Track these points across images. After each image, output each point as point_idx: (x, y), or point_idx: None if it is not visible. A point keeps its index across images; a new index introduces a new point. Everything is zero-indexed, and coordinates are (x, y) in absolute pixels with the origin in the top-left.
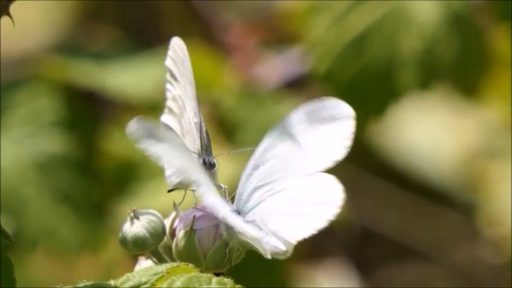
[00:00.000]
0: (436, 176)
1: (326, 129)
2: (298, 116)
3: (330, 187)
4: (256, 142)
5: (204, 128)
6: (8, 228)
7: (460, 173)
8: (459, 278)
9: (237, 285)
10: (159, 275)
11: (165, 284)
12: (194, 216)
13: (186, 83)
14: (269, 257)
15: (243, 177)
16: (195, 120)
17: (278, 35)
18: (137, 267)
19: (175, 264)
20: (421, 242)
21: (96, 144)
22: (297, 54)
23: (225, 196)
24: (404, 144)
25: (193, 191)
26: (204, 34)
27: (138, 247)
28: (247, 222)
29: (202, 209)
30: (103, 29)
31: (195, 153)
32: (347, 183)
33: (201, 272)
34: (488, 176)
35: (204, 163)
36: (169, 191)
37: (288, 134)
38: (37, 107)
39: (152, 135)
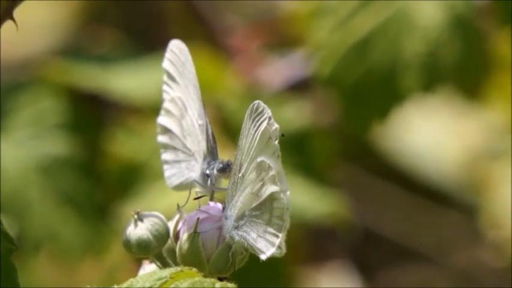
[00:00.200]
0: (438, 178)
1: None
2: None
3: None
4: None
5: (209, 131)
6: (11, 232)
7: (462, 174)
8: (461, 280)
9: None
10: (163, 280)
11: None
12: (198, 219)
13: (188, 85)
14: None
15: None
16: (200, 122)
17: (281, 38)
18: (141, 272)
19: (178, 268)
20: (423, 243)
21: (99, 146)
22: (300, 57)
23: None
24: (407, 146)
25: (197, 192)
26: (207, 37)
27: (142, 250)
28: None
29: (206, 211)
30: (107, 31)
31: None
32: (350, 184)
33: (205, 276)
34: (490, 178)
35: (223, 167)
36: (196, 198)
37: None
38: (41, 110)
39: None
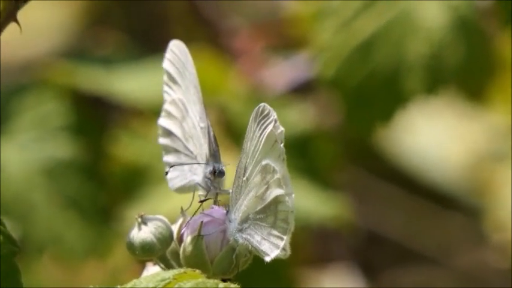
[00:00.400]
0: (442, 180)
1: None
2: None
3: None
4: None
5: (211, 133)
6: (15, 234)
7: (466, 176)
8: (465, 282)
9: None
10: (166, 281)
11: None
12: (201, 222)
13: (189, 86)
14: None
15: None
16: (202, 124)
17: (285, 39)
18: (145, 273)
19: (182, 270)
20: (427, 245)
21: (103, 149)
22: (303, 59)
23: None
24: (410, 148)
25: (200, 196)
26: (210, 39)
27: (145, 252)
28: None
29: (210, 214)
30: (110, 33)
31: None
32: (353, 187)
33: (208, 277)
34: (494, 180)
35: (214, 171)
36: (200, 201)
37: None
38: (44, 112)
39: None
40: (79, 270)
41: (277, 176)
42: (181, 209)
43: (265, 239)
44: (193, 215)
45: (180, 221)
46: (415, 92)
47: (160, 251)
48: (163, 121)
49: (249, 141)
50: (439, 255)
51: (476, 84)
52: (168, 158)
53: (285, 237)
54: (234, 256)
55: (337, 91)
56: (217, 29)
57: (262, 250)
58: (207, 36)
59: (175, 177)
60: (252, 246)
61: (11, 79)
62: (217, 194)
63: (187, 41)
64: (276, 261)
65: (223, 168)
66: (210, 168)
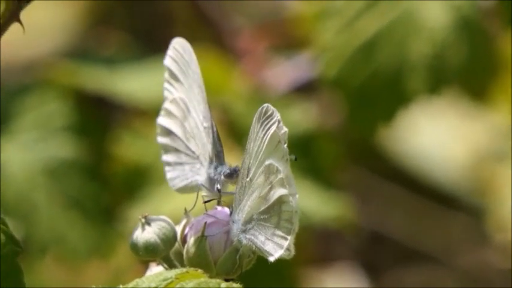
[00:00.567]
0: (445, 180)
1: None
2: None
3: None
4: None
5: (215, 133)
6: (18, 234)
7: (468, 176)
8: (467, 281)
9: None
10: (168, 281)
11: None
12: (205, 223)
13: (192, 85)
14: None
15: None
16: (205, 124)
17: (288, 39)
18: (148, 274)
19: (184, 269)
20: (429, 245)
21: (106, 149)
22: (306, 59)
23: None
24: (413, 148)
25: (203, 196)
26: (213, 39)
27: (149, 253)
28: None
29: (214, 215)
30: (113, 33)
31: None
32: (356, 187)
33: (211, 277)
34: (496, 180)
35: (231, 174)
36: (204, 202)
37: None
38: (47, 112)
39: None
40: (82, 270)
41: (280, 176)
42: (185, 209)
43: (269, 239)
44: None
45: (184, 221)
46: (417, 92)
47: (163, 251)
48: (162, 120)
49: (252, 142)
50: (441, 255)
51: (478, 84)
52: (168, 158)
53: (289, 237)
54: (237, 257)
55: (339, 91)
56: (220, 29)
57: (266, 250)
58: (210, 37)
59: (176, 177)
60: (255, 246)
61: (14, 79)
62: (220, 196)
63: (190, 41)
64: (279, 261)
65: (228, 170)
66: (227, 170)
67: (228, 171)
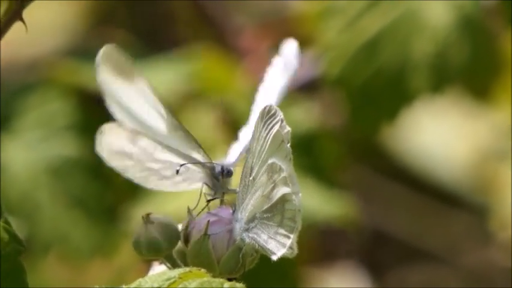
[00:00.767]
0: (447, 179)
1: None
2: None
3: None
4: None
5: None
6: (21, 233)
7: (471, 175)
8: (471, 280)
9: None
10: (171, 280)
11: None
12: (208, 221)
13: (139, 100)
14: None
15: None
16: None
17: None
18: (151, 273)
19: (187, 269)
20: (432, 244)
21: None
22: (309, 57)
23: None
24: (416, 146)
25: (205, 195)
26: (216, 38)
27: (152, 252)
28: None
29: (216, 214)
30: (115, 32)
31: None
32: (359, 186)
33: (214, 277)
34: (499, 178)
35: (222, 172)
36: (208, 201)
37: None
38: (49, 111)
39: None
40: (85, 269)
41: (283, 174)
42: (188, 208)
43: (272, 238)
44: (199, 214)
45: (187, 220)
46: (420, 90)
47: (166, 250)
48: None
49: (255, 141)
50: (444, 253)
51: (481, 83)
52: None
53: (292, 236)
54: (240, 255)
55: (342, 90)
56: (223, 28)
57: (269, 249)
58: (213, 36)
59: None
60: (258, 245)
61: (16, 78)
62: (223, 194)
63: (192, 40)
64: (281, 260)
65: (232, 168)
66: (218, 168)
67: (219, 169)
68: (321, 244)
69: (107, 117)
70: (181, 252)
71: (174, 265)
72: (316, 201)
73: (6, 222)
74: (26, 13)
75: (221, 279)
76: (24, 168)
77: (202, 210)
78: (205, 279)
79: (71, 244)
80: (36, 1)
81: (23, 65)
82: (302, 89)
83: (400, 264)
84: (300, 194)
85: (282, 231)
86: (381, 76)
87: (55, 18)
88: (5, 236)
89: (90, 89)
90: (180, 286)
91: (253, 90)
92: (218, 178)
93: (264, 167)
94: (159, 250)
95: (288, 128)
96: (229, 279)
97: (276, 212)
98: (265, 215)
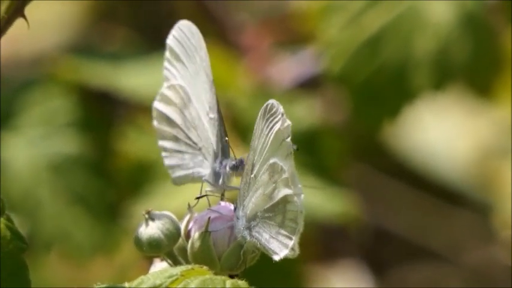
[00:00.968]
0: (449, 176)
1: None
2: None
3: None
4: None
5: (222, 126)
6: (23, 230)
7: (474, 173)
8: (473, 278)
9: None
10: (174, 278)
11: (179, 286)
12: (209, 218)
13: (199, 72)
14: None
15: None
16: (211, 115)
17: (292, 35)
18: (152, 269)
19: (189, 266)
20: (435, 242)
21: (110, 145)
22: (311, 54)
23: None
24: (418, 144)
25: (207, 191)
26: (218, 35)
27: (152, 248)
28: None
29: (217, 211)
30: (117, 29)
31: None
32: (361, 183)
33: (216, 273)
34: (501, 176)
35: (237, 166)
36: (198, 198)
37: None
38: (51, 108)
39: None
40: (86, 266)
41: (285, 175)
42: (189, 205)
43: (273, 238)
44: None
45: (188, 217)
46: (422, 87)
47: (167, 247)
48: (159, 105)
49: (257, 139)
50: (447, 252)
51: (483, 81)
52: (164, 143)
53: (293, 237)
54: (241, 252)
55: (344, 87)
56: (225, 25)
57: (270, 249)
58: (215, 33)
59: (175, 165)
60: (260, 244)
61: (18, 75)
62: (224, 191)
63: None
64: (283, 258)
65: (233, 164)
66: (232, 162)
67: (234, 162)
68: (323, 242)
69: (108, 115)
70: (182, 249)
71: (175, 262)
72: (318, 199)
73: (9, 219)
74: (28, 10)
75: (223, 277)
76: (26, 165)
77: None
78: (207, 276)
79: (72, 241)
80: None
81: (25, 61)
82: (304, 86)
83: (402, 262)
84: (302, 196)
85: (283, 231)
86: (383, 73)
87: (57, 15)
88: (8, 233)
89: (91, 86)
90: (182, 284)
91: (255, 87)
92: (220, 173)
93: (266, 166)
94: (160, 247)
95: (288, 122)
96: (231, 276)
97: (278, 212)
98: (266, 214)
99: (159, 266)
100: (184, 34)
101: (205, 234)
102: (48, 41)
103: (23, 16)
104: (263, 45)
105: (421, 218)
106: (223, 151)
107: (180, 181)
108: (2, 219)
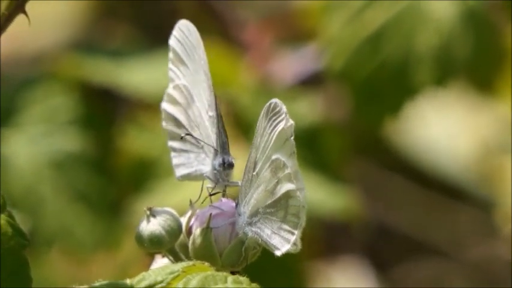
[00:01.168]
0: (452, 172)
1: None
2: None
3: None
4: None
5: (221, 123)
6: (24, 227)
7: (476, 169)
8: (476, 275)
9: (253, 284)
10: (175, 274)
11: (180, 283)
12: (210, 214)
13: (199, 71)
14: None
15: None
16: (211, 113)
17: (294, 32)
18: (153, 266)
19: (191, 262)
20: (437, 238)
21: (112, 142)
22: (312, 51)
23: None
24: (420, 140)
25: (208, 188)
26: (220, 32)
27: (154, 245)
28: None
29: (219, 207)
30: (119, 26)
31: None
32: (363, 180)
33: (217, 270)
34: (504, 172)
35: (223, 164)
36: (210, 195)
37: None
38: (53, 105)
39: None
40: (88, 263)
41: (287, 170)
42: (190, 201)
43: (275, 233)
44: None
45: (189, 213)
46: (424, 83)
47: (169, 243)
48: (167, 106)
49: (259, 137)
50: (449, 248)
51: (485, 76)
52: (173, 144)
53: (296, 232)
54: (243, 249)
55: (346, 83)
56: (226, 21)
57: (272, 244)
58: (216, 29)
59: (181, 164)
60: (262, 240)
61: (20, 72)
62: (225, 186)
63: None
64: (285, 254)
65: (233, 160)
66: (219, 160)
67: (232, 160)
68: (325, 239)
69: (110, 112)
70: (183, 245)
71: (176, 258)
72: (320, 196)
73: (10, 216)
74: (29, 6)
75: (225, 273)
76: (28, 162)
77: (205, 200)
78: (208, 273)
79: (74, 238)
80: None
81: (26, 58)
82: (306, 83)
83: (404, 258)
84: (305, 191)
85: (285, 226)
86: (385, 70)
87: (58, 12)
88: (9, 230)
89: (93, 83)
90: (184, 280)
91: (257, 83)
92: (220, 170)
93: (268, 163)
94: (161, 243)
95: (291, 122)
96: (232, 273)
97: (280, 207)
98: (268, 210)
99: (161, 263)
100: (183, 33)
101: (206, 231)
102: (50, 38)
103: (24, 13)
104: (265, 42)
105: (423, 214)
106: (222, 148)
107: (184, 179)
108: (3, 215)
